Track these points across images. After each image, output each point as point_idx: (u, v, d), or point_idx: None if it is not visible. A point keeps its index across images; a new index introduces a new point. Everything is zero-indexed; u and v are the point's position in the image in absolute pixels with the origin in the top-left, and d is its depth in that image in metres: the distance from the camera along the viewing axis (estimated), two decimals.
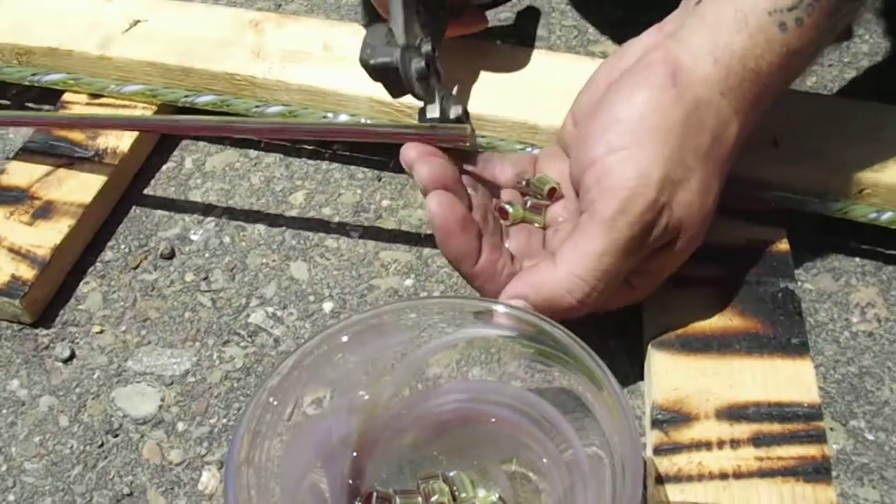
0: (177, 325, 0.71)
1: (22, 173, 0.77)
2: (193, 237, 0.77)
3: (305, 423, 0.55)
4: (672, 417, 0.60)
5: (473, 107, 0.75)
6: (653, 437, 0.59)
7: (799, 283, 0.72)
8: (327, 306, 0.72)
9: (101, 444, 0.65)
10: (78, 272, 0.74)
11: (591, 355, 0.52)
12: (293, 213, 0.78)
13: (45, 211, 0.74)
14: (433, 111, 0.65)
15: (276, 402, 0.54)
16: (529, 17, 0.97)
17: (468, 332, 0.58)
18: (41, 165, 0.77)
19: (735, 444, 0.58)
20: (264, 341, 0.70)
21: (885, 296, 0.72)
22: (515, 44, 0.91)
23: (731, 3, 0.59)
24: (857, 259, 0.74)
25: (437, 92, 0.65)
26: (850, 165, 0.70)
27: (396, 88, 0.64)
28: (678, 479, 0.57)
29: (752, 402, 0.60)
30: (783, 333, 0.64)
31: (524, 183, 0.67)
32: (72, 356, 0.69)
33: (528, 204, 0.66)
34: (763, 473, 0.57)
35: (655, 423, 0.60)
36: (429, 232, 0.76)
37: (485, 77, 0.77)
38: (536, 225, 0.66)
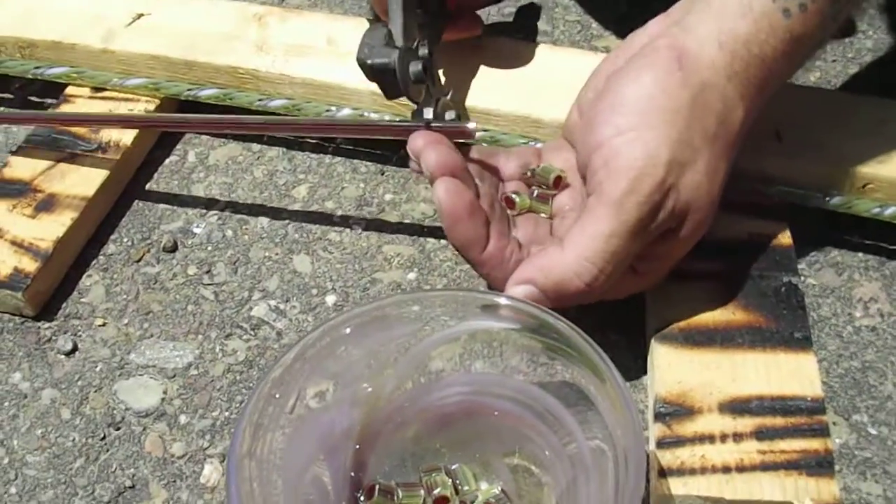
0: (179, 318, 0.71)
1: (25, 166, 0.77)
2: (196, 230, 0.77)
3: (308, 415, 0.55)
4: (675, 411, 0.60)
5: (477, 101, 0.75)
6: (656, 431, 0.59)
7: (802, 278, 0.72)
8: (330, 299, 0.72)
9: (104, 437, 0.65)
10: (81, 265, 0.74)
11: (594, 348, 0.52)
12: (296, 206, 0.78)
13: (48, 204, 0.74)
14: (428, 115, 0.65)
15: (278, 395, 0.53)
16: (533, 12, 0.97)
17: (471, 325, 0.58)
18: (44, 158, 0.77)
19: (738, 437, 0.58)
20: (267, 334, 0.70)
21: (888, 291, 0.72)
22: (519, 38, 0.91)
23: None
24: (861, 254, 0.74)
25: (432, 95, 0.66)
26: (854, 160, 0.70)
27: (392, 90, 0.64)
28: (681, 472, 0.57)
29: (755, 396, 0.60)
30: (786, 327, 0.64)
31: (529, 174, 0.67)
32: (74, 349, 0.69)
33: (535, 194, 0.66)
34: (766, 467, 0.57)
35: (658, 417, 0.60)
36: (432, 225, 0.76)
37: (488, 71, 0.77)
38: (543, 215, 0.66)
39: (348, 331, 0.56)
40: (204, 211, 0.78)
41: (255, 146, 0.83)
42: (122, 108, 0.81)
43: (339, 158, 0.82)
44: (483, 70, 0.77)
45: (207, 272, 0.74)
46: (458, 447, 0.58)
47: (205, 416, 0.66)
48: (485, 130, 0.75)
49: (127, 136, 0.79)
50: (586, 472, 0.53)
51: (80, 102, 0.82)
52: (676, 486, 0.56)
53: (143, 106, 0.82)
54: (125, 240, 0.76)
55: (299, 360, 0.55)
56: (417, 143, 0.62)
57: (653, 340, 0.64)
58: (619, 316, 0.68)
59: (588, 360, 0.52)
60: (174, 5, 0.85)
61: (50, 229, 0.72)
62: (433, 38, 0.70)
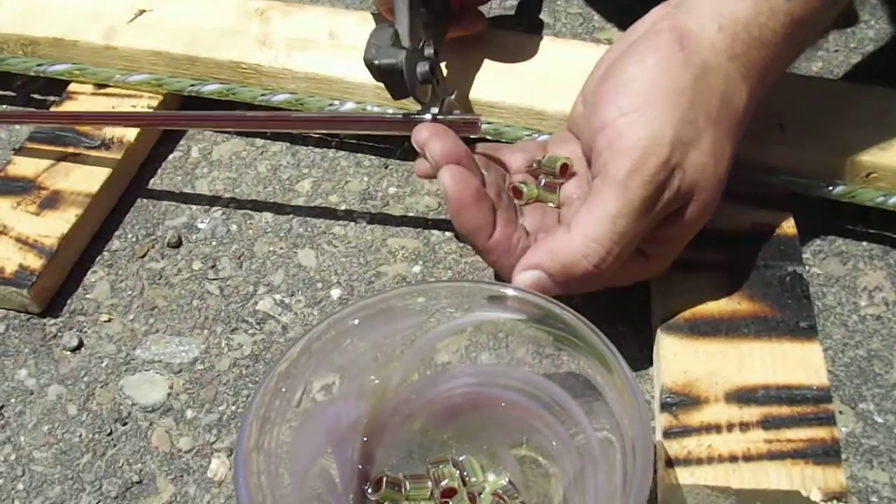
0: (185, 313, 0.71)
1: (28, 163, 0.77)
2: (200, 226, 0.77)
3: (314, 408, 0.55)
4: (681, 401, 0.60)
5: (480, 94, 0.75)
6: (662, 421, 0.59)
7: (806, 268, 0.72)
8: (335, 293, 0.72)
9: (110, 433, 0.65)
10: (85, 261, 0.74)
11: (600, 338, 0.52)
12: (300, 200, 0.78)
13: (52, 201, 0.74)
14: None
15: (284, 389, 0.54)
16: (534, 5, 0.97)
17: (477, 316, 0.57)
18: (48, 156, 0.78)
19: (744, 426, 0.58)
20: (272, 328, 0.70)
21: (892, 279, 0.72)
22: (521, 31, 0.91)
23: None
24: (865, 243, 0.74)
25: (438, 95, 0.66)
26: (857, 149, 0.70)
27: (399, 90, 0.64)
28: (688, 461, 0.57)
29: (761, 385, 0.60)
30: (791, 317, 0.64)
31: (535, 165, 0.66)
32: (80, 345, 0.69)
33: (542, 183, 0.66)
34: (772, 456, 0.57)
35: (665, 407, 0.60)
36: (436, 218, 0.76)
37: (491, 64, 0.77)
38: (551, 204, 0.66)
39: (353, 323, 0.56)
40: (208, 206, 0.78)
41: (259, 141, 0.84)
42: (125, 105, 0.81)
43: (343, 152, 0.82)
44: (486, 63, 0.77)
45: (212, 267, 0.74)
46: (465, 439, 0.58)
47: (211, 411, 0.66)
48: (488, 123, 0.75)
49: (130, 133, 0.79)
50: (594, 462, 0.53)
51: (83, 99, 0.83)
52: (683, 475, 0.56)
53: (145, 102, 0.82)
54: (129, 236, 0.76)
55: (305, 353, 0.55)
56: (422, 134, 0.62)
57: (658, 331, 0.64)
58: (624, 306, 0.68)
59: (595, 350, 0.52)
60: (175, 1, 0.85)
61: (54, 226, 0.72)
62: (438, 38, 0.70)
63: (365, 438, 0.57)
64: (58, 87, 0.85)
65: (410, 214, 0.77)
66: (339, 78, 0.77)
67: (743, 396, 0.60)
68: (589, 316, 0.54)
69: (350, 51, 0.79)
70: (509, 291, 0.56)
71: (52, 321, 0.71)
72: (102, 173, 0.76)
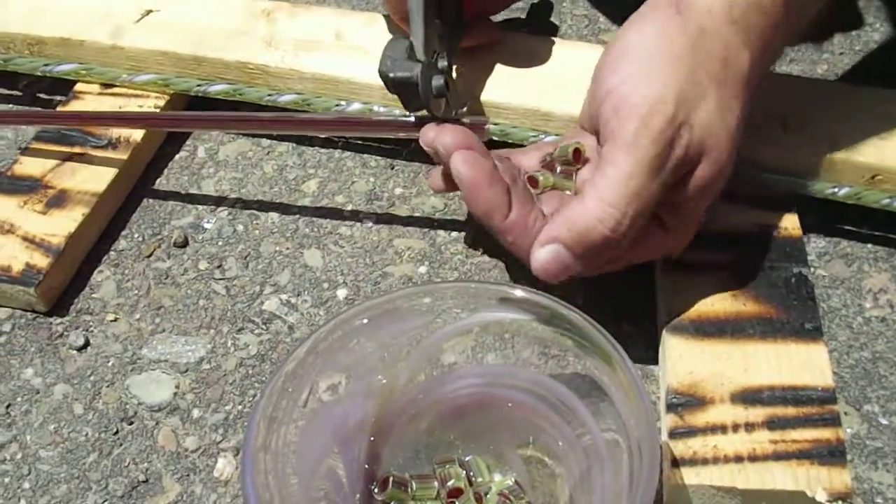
0: (191, 312, 0.71)
1: (35, 163, 0.77)
2: (207, 225, 0.77)
3: (321, 408, 0.56)
4: (687, 401, 0.60)
5: (486, 95, 0.75)
6: (668, 421, 0.59)
7: (812, 269, 0.72)
8: (341, 293, 0.72)
9: (116, 432, 0.65)
10: (92, 261, 0.75)
11: (606, 338, 0.52)
12: (306, 201, 0.78)
13: (59, 200, 0.74)
14: None
15: (291, 389, 0.54)
16: (541, 7, 0.97)
17: (483, 317, 0.58)
18: (54, 155, 0.78)
19: (750, 427, 0.58)
20: (279, 328, 0.70)
21: None
22: (527, 33, 0.91)
23: None
24: (870, 245, 0.74)
25: (451, 108, 0.66)
26: (862, 151, 0.70)
27: (413, 103, 0.64)
28: (693, 462, 0.57)
29: (767, 386, 0.60)
30: (797, 318, 0.64)
31: (549, 158, 0.65)
32: (86, 344, 0.70)
33: (558, 170, 0.65)
34: (778, 456, 0.57)
35: (670, 407, 0.60)
36: (442, 218, 0.76)
37: (497, 65, 0.77)
38: (568, 192, 0.64)
39: (360, 324, 0.56)
40: (214, 206, 0.78)
41: (265, 141, 0.84)
42: (132, 105, 0.82)
43: (349, 153, 0.82)
44: (492, 64, 0.77)
45: (219, 267, 0.74)
46: (471, 439, 0.58)
47: (217, 410, 0.66)
48: (495, 124, 0.75)
49: (137, 132, 0.79)
50: (600, 462, 0.54)
51: (89, 99, 0.83)
52: (689, 476, 0.56)
53: (152, 102, 0.82)
54: (136, 235, 0.76)
55: (311, 353, 0.55)
56: (430, 134, 0.63)
57: (664, 332, 0.64)
58: (630, 307, 0.69)
59: (601, 350, 0.53)
60: (183, 1, 0.85)
61: (61, 225, 0.72)
62: (451, 48, 0.70)
63: (371, 438, 0.57)
64: (64, 86, 0.85)
65: (416, 215, 0.77)
66: (345, 78, 0.77)
67: (748, 397, 0.60)
68: (595, 316, 0.54)
69: (356, 51, 0.79)
70: (515, 292, 0.56)
71: (59, 320, 0.71)
72: (109, 173, 0.76)
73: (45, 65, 0.83)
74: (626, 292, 0.70)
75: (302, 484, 0.53)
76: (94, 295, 0.72)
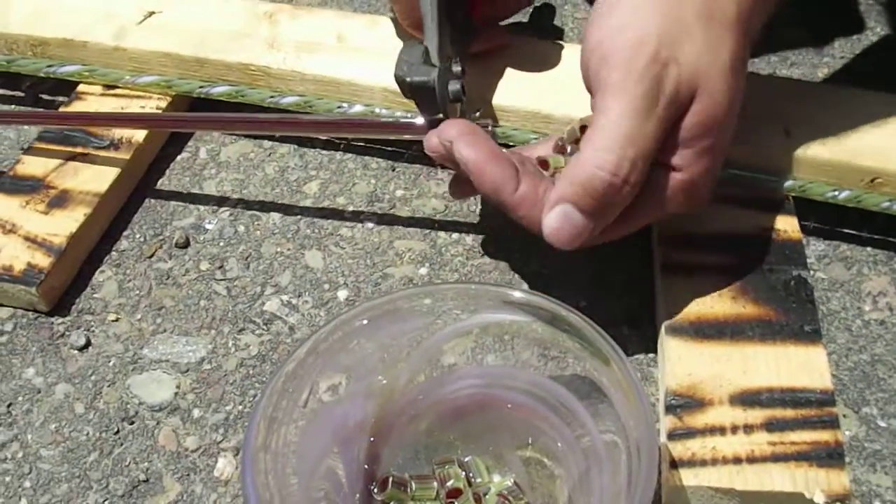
0: (192, 313, 0.71)
1: (37, 163, 0.77)
2: (208, 226, 0.77)
3: (321, 408, 0.56)
4: (686, 403, 0.60)
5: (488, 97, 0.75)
6: (667, 423, 0.59)
7: (811, 272, 0.72)
8: (342, 294, 0.72)
9: (117, 431, 0.65)
10: (93, 261, 0.75)
11: (606, 340, 0.52)
12: (307, 202, 0.79)
13: (61, 200, 0.74)
14: None
15: (291, 389, 0.54)
16: (543, 11, 0.97)
17: (483, 318, 0.58)
18: (56, 155, 0.78)
19: (748, 429, 0.59)
20: (279, 329, 0.70)
21: None
22: (529, 36, 0.91)
23: None
24: (869, 248, 0.74)
25: (465, 112, 0.66)
26: (862, 155, 0.70)
27: (430, 107, 0.65)
28: (692, 463, 0.57)
29: (766, 388, 0.60)
30: (796, 320, 0.64)
31: (560, 143, 0.65)
32: (87, 344, 0.70)
33: (569, 150, 0.64)
34: (776, 458, 0.57)
35: (669, 409, 0.60)
36: (443, 220, 0.77)
37: (499, 68, 0.78)
38: None
39: (360, 324, 0.57)
40: (216, 207, 0.78)
41: (266, 143, 0.84)
42: (134, 106, 0.82)
43: (350, 155, 0.83)
44: (494, 68, 0.78)
45: (220, 267, 0.74)
46: (471, 440, 0.58)
47: (218, 411, 0.66)
48: (497, 127, 0.75)
49: (139, 133, 0.79)
50: (599, 463, 0.54)
51: (92, 100, 0.83)
52: (688, 477, 0.57)
53: (154, 103, 0.82)
54: (137, 236, 0.76)
55: (312, 354, 0.55)
56: (433, 139, 0.63)
57: (663, 333, 0.64)
58: (629, 309, 0.69)
59: (600, 351, 0.53)
60: (185, 3, 0.85)
61: (63, 225, 0.72)
62: (462, 54, 0.71)
63: (371, 439, 0.57)
64: (67, 87, 0.85)
65: (417, 217, 0.77)
66: (347, 80, 0.78)
67: (747, 399, 0.60)
68: (594, 318, 0.54)
69: (358, 53, 0.79)
70: (516, 294, 0.57)
71: (60, 320, 0.71)
72: (111, 173, 0.76)
73: (49, 66, 0.83)
74: (626, 294, 0.70)
75: (302, 484, 0.53)
76: (95, 295, 0.73)
